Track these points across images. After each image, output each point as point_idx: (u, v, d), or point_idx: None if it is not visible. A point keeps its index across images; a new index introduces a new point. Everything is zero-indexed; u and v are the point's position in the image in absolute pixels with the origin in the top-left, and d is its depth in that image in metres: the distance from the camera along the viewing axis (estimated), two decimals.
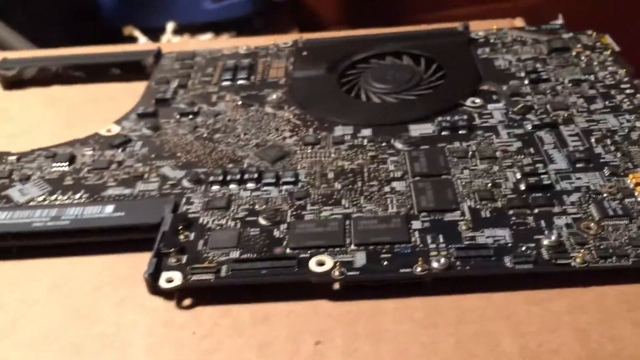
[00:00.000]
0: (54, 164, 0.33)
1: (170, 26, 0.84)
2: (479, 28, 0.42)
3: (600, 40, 0.39)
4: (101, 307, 0.26)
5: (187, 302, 0.26)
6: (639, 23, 0.96)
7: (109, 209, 0.29)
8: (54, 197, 0.31)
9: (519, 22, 0.44)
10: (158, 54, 0.44)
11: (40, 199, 0.31)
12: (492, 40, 0.41)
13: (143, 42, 0.81)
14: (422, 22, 0.46)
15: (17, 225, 0.29)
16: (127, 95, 0.41)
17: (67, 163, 0.33)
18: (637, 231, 0.25)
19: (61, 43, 0.69)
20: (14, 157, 0.34)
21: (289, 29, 0.90)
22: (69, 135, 0.36)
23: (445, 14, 1.04)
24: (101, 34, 0.88)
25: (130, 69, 0.43)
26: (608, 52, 0.38)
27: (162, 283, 0.26)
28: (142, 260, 0.27)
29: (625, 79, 0.35)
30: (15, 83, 0.44)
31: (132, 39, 0.82)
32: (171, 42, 0.80)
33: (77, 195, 0.31)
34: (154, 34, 0.84)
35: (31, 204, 0.30)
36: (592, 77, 0.36)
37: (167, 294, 0.26)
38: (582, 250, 0.25)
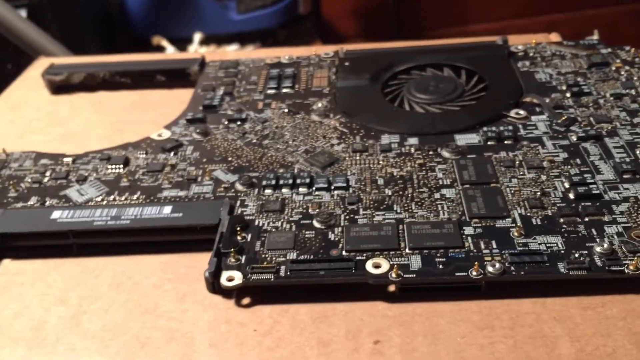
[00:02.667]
0: (109, 166, 0.34)
1: (197, 36, 0.85)
2: (516, 42, 0.43)
3: (639, 56, 0.40)
4: (163, 303, 0.27)
5: (246, 300, 0.27)
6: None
7: (167, 209, 0.30)
8: (111, 197, 0.32)
9: (554, 36, 0.45)
10: (202, 62, 0.45)
11: (99, 199, 0.32)
12: (531, 54, 0.42)
13: (171, 52, 0.83)
14: (444, 37, 0.47)
15: (79, 224, 0.30)
16: (172, 101, 0.42)
17: (122, 165, 0.34)
18: None
19: (92, 51, 0.71)
20: (69, 159, 0.35)
21: (311, 41, 0.92)
22: (118, 139, 0.37)
23: (465, 29, 1.05)
24: (130, 42, 0.89)
25: (174, 77, 0.44)
26: None
27: (224, 282, 0.26)
28: (198, 260, 0.28)
29: None
30: (63, 88, 0.45)
31: (160, 49, 0.84)
32: (198, 51, 0.82)
33: (134, 196, 0.32)
34: (181, 43, 0.85)
35: (90, 203, 0.31)
36: (633, 92, 0.36)
37: (225, 293, 0.27)
38: (635, 258, 0.25)
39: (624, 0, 0.99)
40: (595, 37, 0.43)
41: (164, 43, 0.85)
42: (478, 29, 1.02)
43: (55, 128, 0.41)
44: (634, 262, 0.25)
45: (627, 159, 0.31)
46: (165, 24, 0.87)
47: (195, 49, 0.84)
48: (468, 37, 0.46)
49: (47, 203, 0.32)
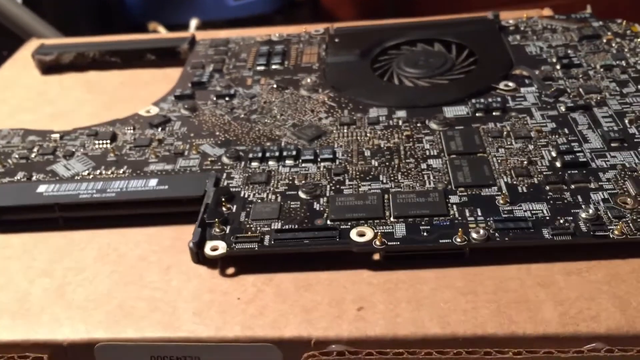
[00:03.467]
0: (96, 142, 0.34)
1: (193, 23, 0.85)
2: (508, 17, 0.43)
3: (631, 29, 0.40)
4: (147, 274, 0.27)
5: (230, 270, 0.27)
6: None
7: (153, 182, 0.30)
8: (97, 172, 0.32)
9: (547, 11, 0.45)
10: (192, 41, 0.45)
11: (85, 173, 0.32)
12: (522, 28, 0.41)
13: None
14: None
15: (64, 197, 0.30)
16: (162, 80, 0.42)
17: (109, 141, 0.34)
18: None
19: (88, 36, 0.70)
20: (57, 135, 0.35)
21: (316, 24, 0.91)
22: (107, 117, 0.37)
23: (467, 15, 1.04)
24: (126, 29, 0.89)
25: (164, 55, 0.44)
26: (639, 40, 0.38)
27: (207, 251, 0.26)
28: (184, 232, 0.28)
29: None
30: (53, 68, 0.45)
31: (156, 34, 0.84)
32: (200, 31, 0.81)
33: (121, 171, 0.32)
34: (177, 30, 0.85)
35: (76, 177, 0.31)
36: (623, 63, 0.36)
37: (210, 263, 0.27)
38: (620, 223, 0.25)
39: None
40: (588, 11, 0.43)
41: (160, 29, 0.85)
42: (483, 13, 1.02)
43: (44, 107, 0.41)
44: (618, 227, 0.25)
45: (615, 128, 0.31)
46: (161, 10, 0.87)
47: None
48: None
49: (34, 178, 0.32)
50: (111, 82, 0.43)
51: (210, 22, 0.87)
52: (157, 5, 0.88)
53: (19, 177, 0.32)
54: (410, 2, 1.02)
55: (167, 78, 0.42)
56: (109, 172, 0.32)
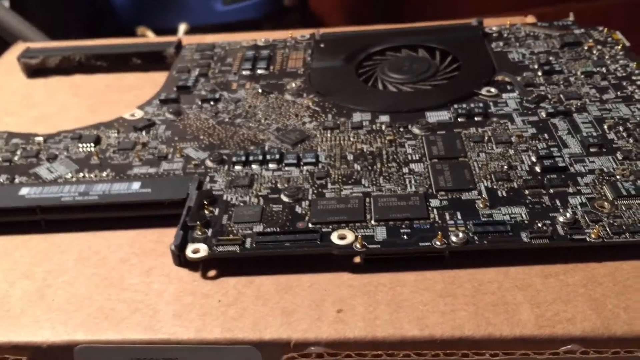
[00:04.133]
0: (80, 145, 0.34)
1: (182, 27, 0.85)
2: (492, 24, 0.43)
3: (612, 36, 0.40)
4: (129, 276, 0.27)
5: (212, 273, 0.27)
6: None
7: (136, 185, 0.30)
8: (81, 174, 0.32)
9: (530, 19, 0.46)
10: (179, 45, 0.45)
11: (68, 176, 0.32)
12: (505, 35, 0.42)
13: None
14: None
15: (47, 200, 0.30)
16: (148, 84, 0.42)
17: (93, 144, 0.34)
18: None
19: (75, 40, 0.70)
20: (40, 138, 0.35)
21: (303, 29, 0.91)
22: (92, 120, 0.37)
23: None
24: (114, 33, 0.89)
25: (151, 59, 0.44)
26: (619, 47, 0.39)
27: (189, 254, 0.26)
28: (166, 235, 0.28)
29: (637, 71, 0.36)
30: (39, 71, 0.45)
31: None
32: (186, 37, 0.81)
33: (104, 174, 0.32)
34: (166, 34, 0.85)
35: (59, 180, 0.31)
36: (603, 70, 0.37)
37: (192, 266, 0.27)
38: (597, 227, 0.25)
39: None
40: (571, 18, 0.43)
41: (149, 34, 0.85)
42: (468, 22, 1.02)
43: (29, 110, 0.41)
44: (595, 231, 0.25)
45: (594, 134, 0.31)
46: (150, 15, 0.87)
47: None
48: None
49: (17, 180, 0.32)
50: (97, 86, 0.44)
51: (199, 27, 0.87)
52: (146, 10, 0.88)
53: (1, 180, 0.32)
54: (399, 8, 1.03)
55: (153, 82, 0.42)
56: (92, 175, 0.32)
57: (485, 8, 1.01)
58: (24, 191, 0.30)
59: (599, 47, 0.39)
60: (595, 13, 0.99)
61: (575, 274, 0.25)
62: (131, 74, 0.44)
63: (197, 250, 0.26)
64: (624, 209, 0.26)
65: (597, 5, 1.01)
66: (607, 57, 0.38)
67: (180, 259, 0.27)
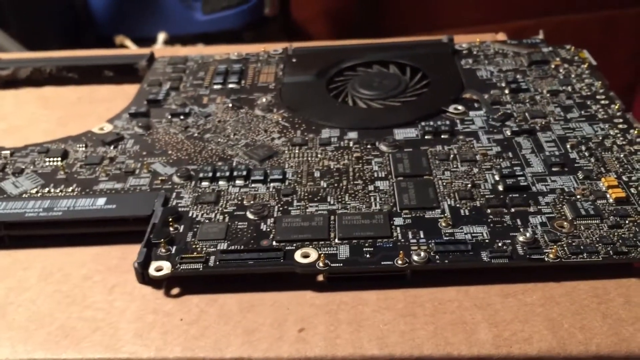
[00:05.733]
0: (47, 159, 0.34)
1: (161, 36, 0.85)
2: (462, 41, 0.44)
3: (578, 54, 0.41)
4: (91, 294, 0.27)
5: (175, 290, 0.27)
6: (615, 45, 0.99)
7: (101, 201, 0.30)
8: (46, 189, 0.32)
9: (501, 36, 0.46)
10: (151, 58, 0.45)
11: (34, 191, 0.32)
12: (475, 52, 0.42)
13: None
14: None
15: (10, 215, 0.29)
16: (119, 97, 0.42)
17: (60, 158, 0.34)
18: (608, 230, 0.27)
19: (55, 50, 0.70)
20: (7, 152, 0.35)
21: (278, 44, 0.92)
22: (61, 134, 0.37)
23: (435, 34, 1.06)
24: (93, 42, 0.89)
25: (122, 72, 0.44)
26: (585, 66, 0.39)
27: (152, 272, 0.26)
28: (131, 252, 0.28)
29: (601, 91, 0.37)
30: (10, 83, 0.45)
31: (124, 48, 0.83)
32: (161, 48, 0.81)
33: (70, 189, 0.32)
34: (145, 43, 0.84)
35: (24, 195, 0.31)
36: (569, 88, 0.37)
37: (155, 283, 0.27)
38: (555, 247, 0.26)
39: (592, 8, 1.01)
40: (540, 36, 0.44)
41: (127, 43, 0.85)
42: (447, 34, 1.03)
43: None
44: (553, 251, 0.25)
45: (557, 152, 0.32)
46: (129, 24, 0.87)
47: (159, 49, 0.84)
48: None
49: None
50: (68, 98, 0.43)
51: (179, 37, 0.86)
52: (125, 19, 0.87)
53: None
54: (380, 18, 1.04)
55: (124, 94, 0.42)
56: (58, 190, 0.31)
57: (463, 20, 1.02)
58: None
59: (566, 65, 0.40)
60: (573, 27, 1.01)
61: (534, 293, 0.25)
62: (103, 86, 0.44)
63: (160, 268, 0.26)
64: (582, 228, 0.27)
65: (575, 19, 1.02)
66: (573, 75, 0.39)
67: (144, 277, 0.27)
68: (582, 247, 0.26)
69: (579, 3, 1.00)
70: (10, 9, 0.76)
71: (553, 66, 0.40)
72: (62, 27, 0.87)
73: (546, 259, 0.25)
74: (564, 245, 0.26)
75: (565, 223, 0.27)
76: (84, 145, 0.35)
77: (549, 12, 1.00)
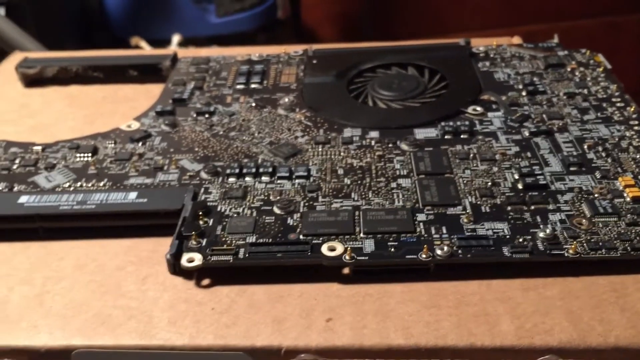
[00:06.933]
0: (78, 155, 0.35)
1: (175, 38, 0.86)
2: (479, 44, 0.45)
3: (594, 58, 0.42)
4: (124, 283, 0.28)
5: (205, 281, 0.28)
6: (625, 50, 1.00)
7: (133, 195, 0.31)
8: (78, 184, 0.33)
9: (516, 39, 0.47)
10: (174, 58, 0.46)
11: (66, 185, 0.33)
12: (492, 55, 0.43)
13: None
14: None
15: (45, 208, 0.30)
16: (143, 96, 0.43)
17: (90, 154, 0.35)
18: (625, 227, 0.27)
19: (71, 50, 0.71)
20: (39, 147, 0.36)
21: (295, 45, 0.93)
22: (89, 131, 0.38)
23: (444, 38, 1.07)
24: (109, 43, 0.90)
25: (147, 72, 0.45)
26: (601, 69, 0.40)
27: (184, 263, 0.27)
28: (162, 244, 0.29)
29: (617, 94, 0.37)
30: (36, 81, 0.46)
31: (139, 49, 0.85)
32: (182, 49, 0.82)
33: (101, 184, 0.33)
34: (160, 45, 0.86)
35: (57, 189, 0.32)
36: (585, 91, 0.38)
37: (186, 274, 0.28)
38: (575, 243, 0.27)
39: (600, 13, 1.02)
40: (555, 40, 0.45)
41: (142, 44, 0.86)
42: (456, 38, 1.04)
43: (27, 120, 0.42)
44: (573, 247, 0.26)
45: (575, 153, 0.33)
46: (144, 25, 0.88)
47: (173, 51, 0.85)
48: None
49: (15, 189, 0.32)
50: (93, 97, 0.44)
51: (193, 39, 0.88)
52: (140, 21, 0.89)
53: (0, 188, 0.32)
54: (389, 23, 1.05)
55: (148, 94, 0.43)
56: (90, 185, 0.33)
57: (472, 25, 1.03)
58: (23, 199, 0.31)
59: (582, 69, 0.41)
60: (581, 32, 1.02)
61: (554, 287, 0.26)
62: (127, 86, 0.45)
63: (192, 259, 0.27)
64: (600, 226, 0.28)
65: (583, 24, 1.03)
66: (588, 79, 0.39)
67: (175, 268, 0.28)
68: (600, 244, 0.26)
69: (587, 8, 1.01)
70: (27, 9, 0.77)
71: (569, 69, 0.41)
72: (77, 28, 0.88)
73: (566, 254, 0.26)
74: (583, 241, 0.27)
75: (584, 220, 0.28)
76: (113, 142, 0.36)
77: (558, 17, 1.01)
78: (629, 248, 0.26)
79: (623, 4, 1.01)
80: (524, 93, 0.38)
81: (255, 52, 0.46)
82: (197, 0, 0.90)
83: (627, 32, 1.02)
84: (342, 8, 1.08)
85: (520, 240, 0.27)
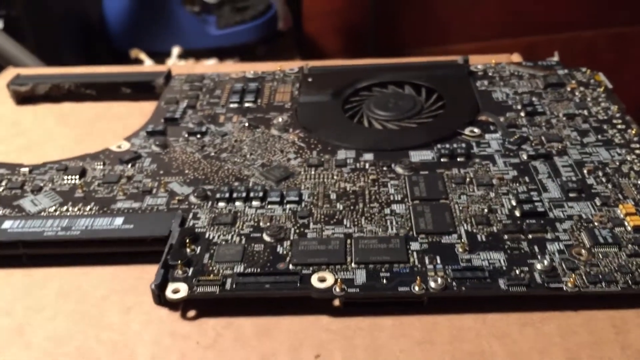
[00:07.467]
0: (65, 177, 0.34)
1: (175, 50, 0.86)
2: (478, 62, 0.44)
3: (594, 77, 0.41)
4: (108, 315, 0.27)
5: (191, 313, 0.27)
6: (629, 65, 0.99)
7: (119, 221, 0.30)
8: (64, 208, 0.32)
9: (516, 57, 0.46)
10: (168, 76, 0.45)
11: (52, 209, 0.32)
12: (490, 74, 0.42)
13: (149, 65, 0.83)
14: (424, 56, 0.47)
15: (29, 234, 0.30)
16: (136, 114, 0.42)
17: (78, 176, 0.34)
18: (626, 259, 0.26)
19: (70, 63, 0.70)
20: (26, 169, 0.35)
21: (291, 57, 0.92)
22: (79, 150, 0.37)
23: (447, 48, 1.06)
24: (109, 55, 0.90)
25: (140, 89, 0.45)
26: (601, 89, 0.39)
27: (169, 294, 0.26)
28: (148, 272, 0.28)
29: (618, 115, 0.37)
30: (28, 98, 0.45)
31: (139, 62, 0.84)
32: (177, 65, 0.82)
33: (88, 207, 0.32)
34: (160, 57, 0.85)
35: (43, 214, 0.31)
36: (585, 112, 0.37)
37: (172, 305, 0.27)
38: (573, 275, 0.26)
39: (603, 24, 1.01)
40: (555, 58, 0.44)
41: (142, 56, 0.86)
42: (459, 48, 1.03)
43: (17, 138, 0.41)
44: (572, 280, 0.25)
45: (574, 178, 0.32)
46: (144, 38, 0.88)
47: (174, 63, 0.85)
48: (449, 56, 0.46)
49: (0, 212, 0.32)
50: (85, 114, 0.44)
51: (193, 51, 0.87)
52: (140, 33, 0.88)
53: None
54: (391, 33, 1.04)
55: (142, 111, 0.42)
56: (76, 209, 0.32)
57: (474, 35, 1.02)
58: (7, 225, 0.30)
59: (582, 88, 0.40)
60: (584, 42, 1.01)
61: (552, 322, 0.25)
62: (120, 103, 0.45)
63: (177, 290, 0.26)
64: (600, 257, 0.27)
65: (585, 35, 1.02)
66: (589, 99, 0.39)
67: (161, 298, 0.27)
68: (600, 276, 0.26)
69: (591, 19, 1.00)
70: (26, 22, 0.77)
71: (569, 89, 0.40)
72: (77, 40, 0.88)
73: (565, 287, 0.25)
74: (582, 273, 0.26)
75: (583, 251, 0.27)
76: (102, 163, 0.35)
77: (561, 28, 1.00)
78: (629, 281, 0.25)
79: (627, 14, 1.00)
80: (522, 114, 0.37)
81: (251, 69, 0.46)
82: (198, 12, 0.90)
83: (631, 43, 1.01)
84: (344, 18, 1.08)
85: (517, 272, 0.26)
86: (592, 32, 1.03)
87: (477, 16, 1.00)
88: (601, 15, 1.00)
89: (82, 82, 0.45)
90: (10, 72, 0.49)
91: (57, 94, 0.45)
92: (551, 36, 1.02)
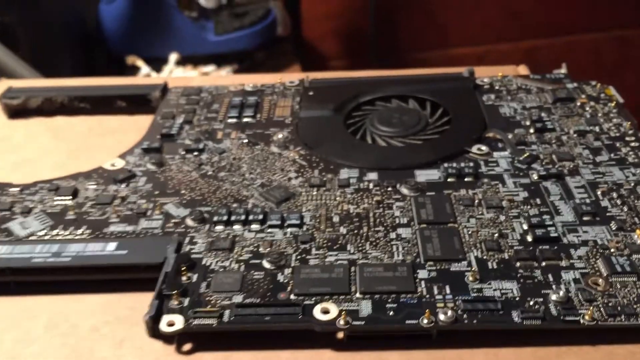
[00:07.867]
0: (57, 198, 0.33)
1: (173, 57, 0.84)
2: (483, 74, 0.43)
3: (605, 91, 0.40)
4: (99, 348, 0.26)
5: (187, 346, 0.25)
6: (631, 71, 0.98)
7: (112, 246, 0.29)
8: (55, 231, 0.30)
9: (522, 69, 0.45)
10: (164, 89, 0.44)
11: (42, 233, 0.30)
12: (497, 87, 0.41)
13: (145, 72, 0.82)
14: (424, 60, 0.46)
15: (17, 260, 0.28)
16: (132, 128, 0.41)
17: (70, 197, 0.33)
18: None
19: (66, 70, 0.69)
20: (16, 189, 0.34)
21: (290, 63, 0.91)
22: (72, 167, 0.36)
23: (447, 52, 1.05)
24: (105, 62, 0.88)
25: (135, 102, 0.43)
26: (612, 104, 0.38)
27: (163, 327, 0.25)
28: (142, 300, 0.27)
29: (630, 132, 0.35)
30: (20, 112, 0.44)
31: (135, 69, 0.83)
32: (173, 72, 0.81)
33: (79, 231, 0.30)
34: (157, 63, 0.84)
35: (32, 238, 0.30)
36: (597, 129, 0.36)
37: (167, 338, 0.26)
38: (591, 308, 0.24)
39: (604, 27, 1.00)
40: (563, 70, 0.43)
41: (139, 63, 0.84)
42: (459, 52, 1.03)
43: (8, 155, 0.40)
44: (589, 312, 0.24)
45: (588, 200, 0.30)
46: (141, 44, 0.86)
47: (171, 70, 0.83)
48: (449, 64, 0.45)
49: None
50: (79, 129, 0.42)
51: (191, 57, 0.86)
52: (137, 39, 0.87)
53: None
54: (392, 36, 1.03)
55: (137, 126, 0.41)
56: (67, 232, 0.30)
57: (476, 39, 1.01)
58: None
59: (592, 103, 0.38)
60: (588, 45, 1.00)
61: (568, 357, 0.24)
62: (115, 117, 0.43)
63: (172, 323, 0.25)
64: (618, 287, 0.25)
65: (587, 38, 1.01)
66: (600, 114, 0.37)
67: (155, 331, 0.25)
68: (619, 309, 0.24)
69: (594, 22, 0.99)
70: (21, 28, 0.75)
71: (579, 103, 0.38)
72: (73, 47, 0.87)
73: (582, 320, 0.24)
74: (600, 305, 0.24)
75: (600, 280, 0.26)
76: (95, 183, 0.34)
77: (564, 31, 0.99)
78: None
79: (630, 17, 0.99)
80: (531, 130, 0.36)
81: (250, 80, 0.44)
82: (195, 17, 0.88)
83: (635, 45, 1.00)
84: (344, 23, 1.07)
85: (531, 303, 0.25)
86: (593, 35, 1.02)
87: (478, 20, 0.99)
88: (602, 17, 0.99)
89: (75, 95, 0.43)
90: (2, 85, 0.47)
91: (50, 107, 0.44)
92: (552, 39, 1.01)
